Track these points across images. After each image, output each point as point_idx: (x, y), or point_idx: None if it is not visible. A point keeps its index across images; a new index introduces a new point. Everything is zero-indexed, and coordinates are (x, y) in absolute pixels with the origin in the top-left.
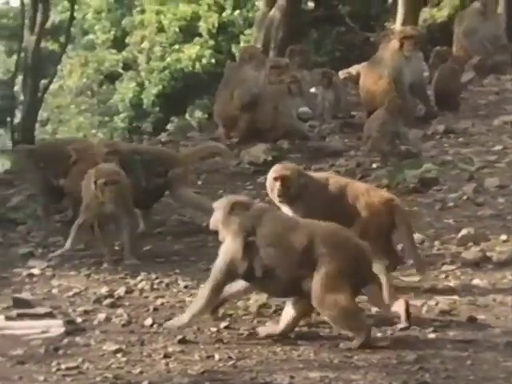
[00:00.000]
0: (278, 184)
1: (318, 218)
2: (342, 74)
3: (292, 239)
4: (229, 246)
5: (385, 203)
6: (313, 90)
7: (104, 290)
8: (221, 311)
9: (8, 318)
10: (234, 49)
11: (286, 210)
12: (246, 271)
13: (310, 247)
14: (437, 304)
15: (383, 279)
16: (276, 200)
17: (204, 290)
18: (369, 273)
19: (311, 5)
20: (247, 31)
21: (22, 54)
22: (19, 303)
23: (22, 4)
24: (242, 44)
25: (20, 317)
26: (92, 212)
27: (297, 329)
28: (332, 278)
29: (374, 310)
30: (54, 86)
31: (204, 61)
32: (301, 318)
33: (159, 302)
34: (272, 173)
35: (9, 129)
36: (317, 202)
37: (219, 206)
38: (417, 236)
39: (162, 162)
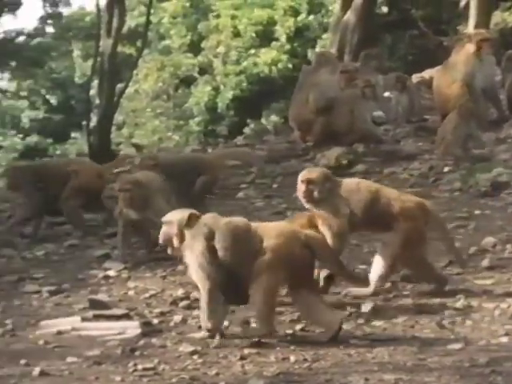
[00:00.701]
0: (303, 186)
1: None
2: (415, 78)
3: (246, 243)
4: (197, 254)
5: (418, 207)
6: (387, 94)
7: (180, 292)
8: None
9: (84, 319)
10: (309, 53)
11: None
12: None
13: (260, 248)
14: (509, 307)
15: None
16: (302, 201)
17: (203, 302)
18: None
19: (385, 9)
20: (323, 35)
21: (99, 58)
22: (96, 304)
23: (98, 9)
24: (317, 48)
25: (96, 318)
26: (122, 219)
27: (369, 329)
28: (265, 265)
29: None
30: (129, 90)
31: (280, 66)
32: None
33: None
34: (300, 175)
35: (85, 132)
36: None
37: (171, 220)
38: (488, 239)
39: (194, 168)
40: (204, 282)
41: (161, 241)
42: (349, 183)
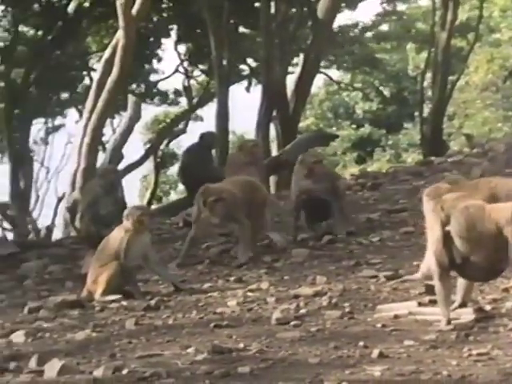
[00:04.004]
0: None
1: None
2: None
3: (482, 227)
4: (433, 241)
5: None
6: None
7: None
8: None
9: (420, 304)
10: None
11: None
12: (449, 260)
13: (499, 229)
14: None
15: None
16: None
17: (435, 284)
18: None
19: None
20: None
21: (432, 51)
22: (432, 290)
23: (433, 2)
24: None
25: (432, 303)
26: None
27: None
28: None
29: None
30: (460, 82)
31: None
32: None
33: None
34: None
35: (417, 123)
36: None
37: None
38: None
39: None
40: (435, 270)
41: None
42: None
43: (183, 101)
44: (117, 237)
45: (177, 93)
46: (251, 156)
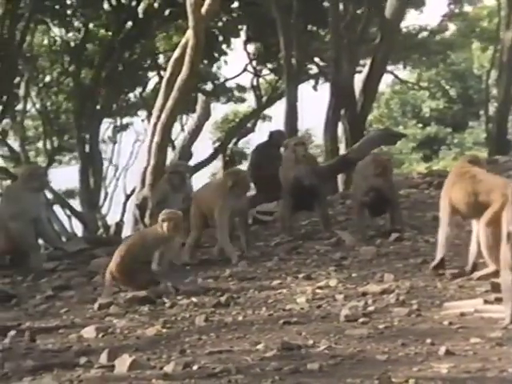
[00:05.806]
0: None
1: None
2: None
3: None
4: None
5: None
6: None
7: None
8: None
9: (486, 302)
10: None
11: None
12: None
13: None
14: None
15: None
16: None
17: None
18: None
19: None
20: None
21: (497, 50)
22: (497, 288)
23: (499, 2)
24: None
25: (498, 301)
26: None
27: None
28: None
29: None
30: None
31: None
32: None
33: None
34: None
35: (482, 122)
36: None
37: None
38: None
39: None
40: (501, 267)
41: None
42: None
43: (250, 99)
44: (153, 236)
45: (241, 89)
46: (296, 154)
